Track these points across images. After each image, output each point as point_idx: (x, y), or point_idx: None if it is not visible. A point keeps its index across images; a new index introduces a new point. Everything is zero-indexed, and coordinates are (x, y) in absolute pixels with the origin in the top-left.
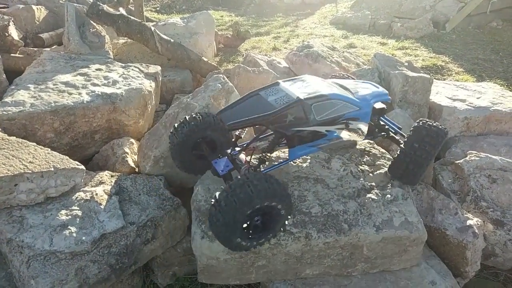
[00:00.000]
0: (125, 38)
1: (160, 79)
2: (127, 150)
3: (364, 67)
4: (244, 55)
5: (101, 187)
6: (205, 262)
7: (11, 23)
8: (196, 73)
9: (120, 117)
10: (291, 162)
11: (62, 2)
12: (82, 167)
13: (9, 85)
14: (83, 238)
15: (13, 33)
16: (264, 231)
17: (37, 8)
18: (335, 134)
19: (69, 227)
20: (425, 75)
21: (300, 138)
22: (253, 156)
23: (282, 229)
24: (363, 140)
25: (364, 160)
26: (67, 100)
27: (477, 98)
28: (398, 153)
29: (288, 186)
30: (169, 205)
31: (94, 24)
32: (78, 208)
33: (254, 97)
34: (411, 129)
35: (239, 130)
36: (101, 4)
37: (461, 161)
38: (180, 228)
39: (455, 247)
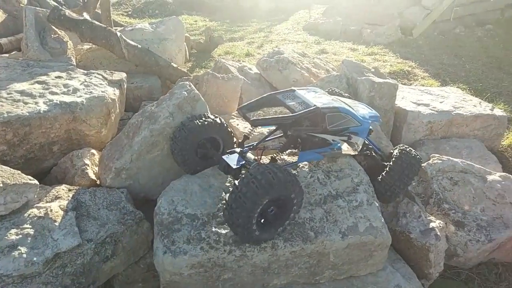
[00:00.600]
0: (90, 44)
1: (125, 86)
2: (87, 161)
3: (333, 73)
4: (215, 61)
5: (56, 203)
6: (168, 278)
7: None
8: (166, 80)
9: (80, 127)
10: None
11: (22, 5)
12: (35, 181)
13: None
14: (34, 258)
15: None
16: (279, 220)
17: None
18: (338, 144)
19: (19, 247)
20: (390, 81)
21: (311, 143)
22: (263, 156)
23: (294, 216)
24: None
25: (331, 166)
26: (21, 110)
27: (440, 102)
28: (384, 175)
29: None
30: (131, 220)
31: (56, 29)
32: (30, 226)
33: (273, 100)
34: (394, 157)
35: (248, 131)
36: (63, 8)
37: (424, 164)
38: (143, 243)
39: (419, 250)
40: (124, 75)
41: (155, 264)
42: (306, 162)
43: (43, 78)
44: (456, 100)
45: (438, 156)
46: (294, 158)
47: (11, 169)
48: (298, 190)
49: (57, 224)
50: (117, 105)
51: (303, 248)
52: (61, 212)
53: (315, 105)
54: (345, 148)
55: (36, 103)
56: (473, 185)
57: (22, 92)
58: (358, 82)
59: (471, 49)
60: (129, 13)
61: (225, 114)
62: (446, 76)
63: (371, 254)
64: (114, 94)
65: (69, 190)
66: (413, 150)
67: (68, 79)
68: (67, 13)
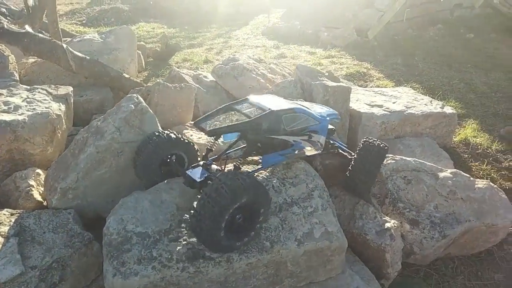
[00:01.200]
0: (35, 57)
1: (72, 100)
2: (32, 182)
3: (287, 79)
4: (169, 70)
5: None
6: None
7: None
8: (118, 91)
9: (23, 146)
10: None
11: None
12: None
13: None
14: None
15: None
16: (247, 228)
17: None
18: (301, 144)
19: None
20: (344, 84)
21: (272, 146)
22: (227, 166)
23: (261, 224)
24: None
25: (286, 173)
26: None
27: (393, 103)
28: (351, 168)
29: None
30: (79, 242)
31: None
32: None
33: (229, 109)
34: (359, 147)
35: (210, 144)
36: (2, 21)
37: None
38: (94, 265)
39: (375, 251)
40: (70, 89)
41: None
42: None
43: None
44: (408, 100)
45: (392, 156)
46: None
47: None
48: (266, 196)
49: None
50: (64, 121)
51: (259, 259)
52: (1, 239)
53: (269, 108)
54: (308, 147)
55: None
56: (425, 183)
57: None
58: (312, 87)
59: (423, 48)
60: (84, 22)
61: (179, 124)
62: (400, 76)
63: (329, 259)
64: (60, 109)
65: (12, 214)
66: (377, 140)
67: (9, 96)
68: (5, 26)
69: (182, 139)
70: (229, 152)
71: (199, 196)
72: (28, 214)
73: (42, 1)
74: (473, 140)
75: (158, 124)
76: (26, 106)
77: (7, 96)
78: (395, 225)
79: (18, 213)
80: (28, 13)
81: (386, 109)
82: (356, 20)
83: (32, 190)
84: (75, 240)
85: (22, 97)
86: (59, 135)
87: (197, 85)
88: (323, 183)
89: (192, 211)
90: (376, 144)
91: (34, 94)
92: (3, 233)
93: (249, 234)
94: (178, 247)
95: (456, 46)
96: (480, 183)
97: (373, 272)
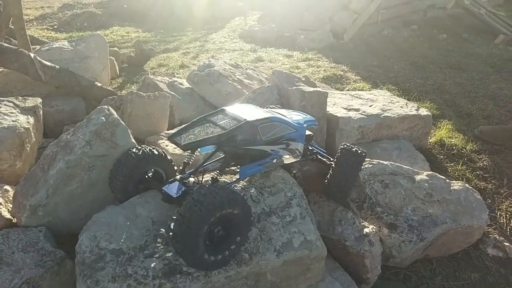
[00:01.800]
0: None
1: (41, 112)
2: (0, 200)
3: (264, 85)
4: (143, 78)
5: None
6: None
7: None
8: (91, 100)
9: None
10: None
11: None
12: None
13: None
14: None
15: None
16: (228, 241)
17: None
18: (279, 153)
19: None
20: (320, 89)
21: (250, 157)
22: (204, 178)
23: (244, 237)
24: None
25: (264, 182)
26: None
27: (370, 106)
28: (329, 176)
29: None
30: (50, 261)
31: None
32: None
33: (204, 122)
34: (338, 153)
35: (187, 158)
36: None
37: None
38: (68, 283)
39: (355, 257)
40: (39, 100)
41: None
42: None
43: None
44: (384, 103)
45: (369, 160)
46: (236, 177)
47: None
48: (243, 206)
49: None
50: (33, 133)
51: (238, 272)
52: None
53: (244, 119)
54: (286, 155)
55: None
56: (402, 186)
57: None
58: (289, 93)
59: (398, 50)
60: (55, 27)
61: (154, 134)
62: (376, 78)
63: (309, 267)
64: (28, 122)
65: None
66: (355, 146)
67: None
68: None
69: (158, 154)
70: (206, 164)
71: (174, 217)
72: None
73: (7, 7)
74: (448, 141)
75: (131, 136)
76: None
77: None
78: (374, 230)
79: None
80: None
81: (363, 113)
82: (332, 22)
83: (0, 208)
84: (47, 259)
85: None
86: (28, 149)
87: (172, 93)
88: (302, 191)
89: (171, 233)
90: (354, 150)
91: (0, 107)
92: None
93: (231, 247)
94: (154, 263)
95: (430, 47)
96: (456, 185)
97: (353, 277)
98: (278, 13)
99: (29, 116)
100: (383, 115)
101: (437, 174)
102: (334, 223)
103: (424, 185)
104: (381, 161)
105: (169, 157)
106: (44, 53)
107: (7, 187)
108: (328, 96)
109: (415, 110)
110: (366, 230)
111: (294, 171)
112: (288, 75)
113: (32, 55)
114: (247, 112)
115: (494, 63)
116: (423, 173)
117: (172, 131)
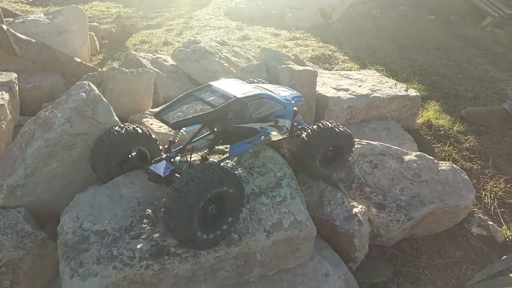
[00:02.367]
0: None
1: (17, 88)
2: None
3: (253, 63)
4: (125, 54)
5: None
6: None
7: None
8: (71, 77)
9: None
10: None
11: None
12: None
13: None
14: None
15: None
16: (220, 220)
17: None
18: (267, 130)
19: None
20: (310, 68)
21: (240, 134)
22: (193, 156)
23: (236, 218)
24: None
25: (253, 162)
26: None
27: (359, 86)
28: (297, 148)
29: None
30: (31, 243)
31: None
32: None
33: (191, 98)
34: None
35: (172, 136)
36: None
37: None
38: (51, 265)
39: (344, 236)
40: (14, 75)
41: None
42: (227, 160)
43: None
44: (374, 83)
45: (358, 141)
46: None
47: None
48: (238, 186)
49: None
50: (8, 110)
51: (228, 252)
52: None
53: (234, 96)
54: (274, 132)
55: None
56: (391, 166)
57: None
58: (278, 71)
59: (387, 30)
60: (30, 0)
61: (138, 112)
62: (365, 59)
63: (298, 247)
64: (2, 98)
65: None
66: (332, 123)
67: None
68: None
69: (142, 132)
70: (193, 141)
71: (167, 193)
72: None
73: None
74: (436, 122)
75: (114, 113)
76: None
77: None
78: (363, 210)
79: None
80: None
81: (352, 93)
82: (320, 1)
83: None
84: (27, 241)
85: None
86: (3, 126)
87: (157, 70)
88: (291, 171)
89: (163, 209)
90: (324, 126)
91: None
92: None
93: (224, 226)
94: (140, 244)
95: (419, 27)
96: (444, 165)
97: (341, 256)
98: None
99: (3, 92)
100: (372, 95)
101: (425, 154)
102: (323, 203)
103: (412, 165)
104: (370, 142)
105: (154, 136)
106: (18, 26)
107: None
108: (318, 75)
109: (404, 90)
110: (355, 210)
111: (284, 151)
112: (277, 53)
113: (5, 27)
114: (235, 88)
115: (481, 45)
116: (411, 153)
117: (157, 109)
